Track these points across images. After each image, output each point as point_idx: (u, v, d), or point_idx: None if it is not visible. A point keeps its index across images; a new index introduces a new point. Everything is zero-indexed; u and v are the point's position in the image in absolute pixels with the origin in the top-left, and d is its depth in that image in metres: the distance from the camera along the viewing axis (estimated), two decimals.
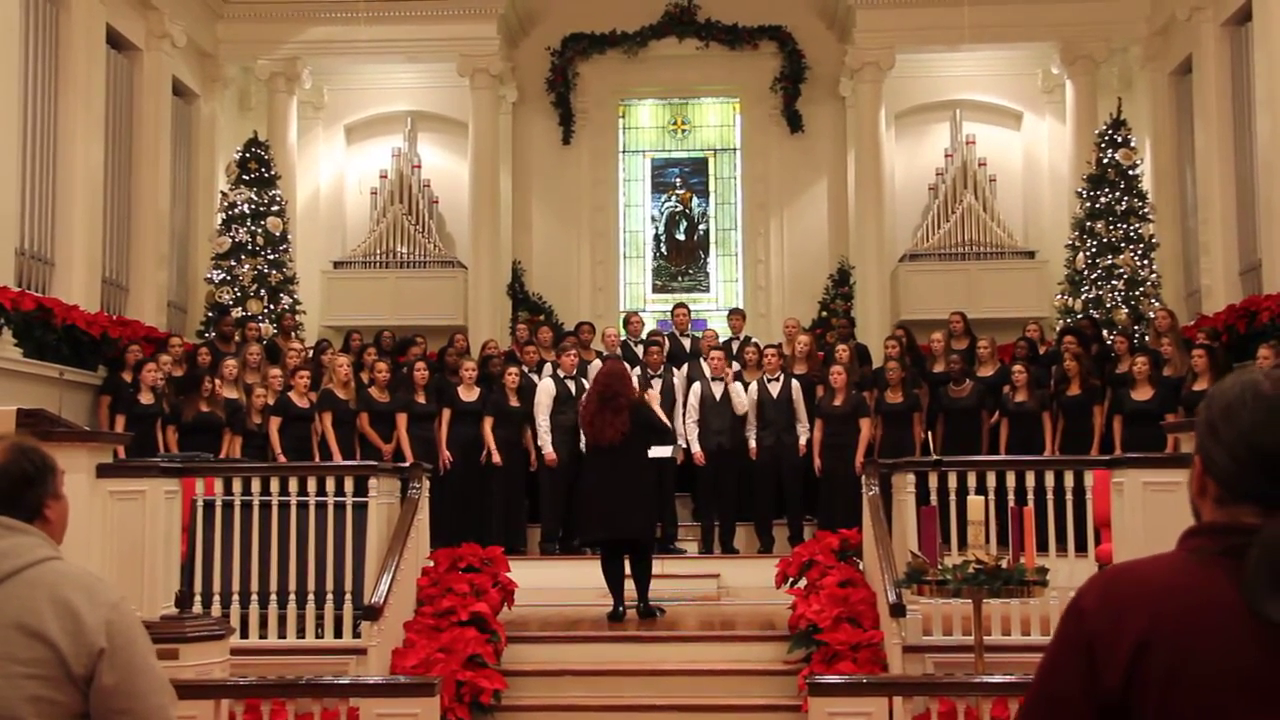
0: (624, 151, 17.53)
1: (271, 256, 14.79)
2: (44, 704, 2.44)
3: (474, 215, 16.07)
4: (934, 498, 8.31)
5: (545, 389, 12.44)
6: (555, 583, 11.11)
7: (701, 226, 17.51)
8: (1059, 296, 14.78)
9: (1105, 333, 13.70)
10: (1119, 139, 14.50)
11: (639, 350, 13.29)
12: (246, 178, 14.96)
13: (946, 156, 16.43)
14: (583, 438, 11.77)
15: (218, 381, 12.18)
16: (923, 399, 12.65)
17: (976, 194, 15.99)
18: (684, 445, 12.40)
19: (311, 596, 8.27)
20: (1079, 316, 14.05)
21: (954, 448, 11.68)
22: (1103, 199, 14.33)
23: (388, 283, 16.08)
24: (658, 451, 10.43)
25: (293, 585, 8.28)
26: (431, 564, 9.24)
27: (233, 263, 14.66)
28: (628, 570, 9.86)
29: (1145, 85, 15.80)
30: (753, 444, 12.41)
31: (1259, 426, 1.96)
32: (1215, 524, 1.98)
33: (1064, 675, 1.97)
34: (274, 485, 8.46)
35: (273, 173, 15.13)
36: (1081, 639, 1.95)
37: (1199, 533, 2.00)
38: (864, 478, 9.40)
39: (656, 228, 17.53)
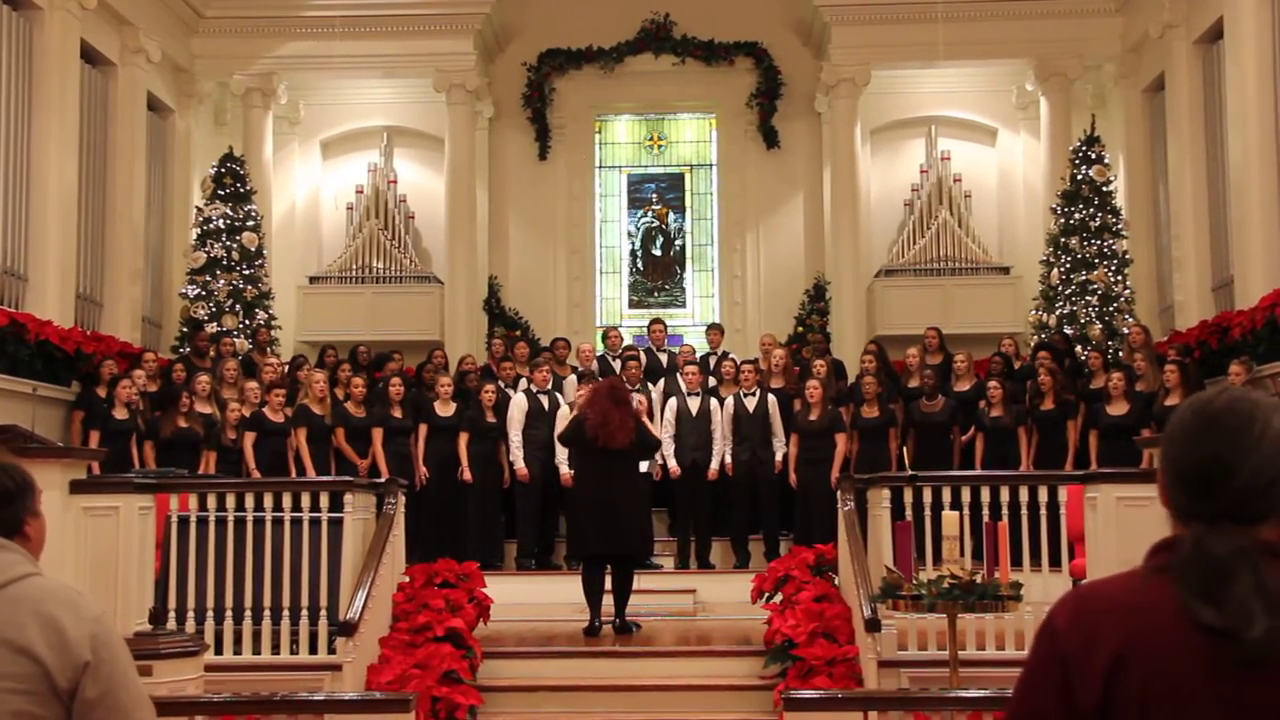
0: (600, 167, 17.55)
1: (247, 272, 14.74)
2: (28, 718, 2.45)
3: (450, 231, 16.06)
4: (909, 513, 8.34)
5: (518, 404, 12.43)
6: (531, 598, 11.11)
7: (678, 242, 17.54)
8: (1033, 312, 14.85)
9: (1079, 348, 13.76)
10: (1093, 155, 14.58)
11: (616, 365, 13.31)
12: (222, 193, 14.91)
13: (922, 172, 16.50)
14: (559, 452, 11.78)
15: (192, 397, 12.14)
16: (898, 414, 12.69)
17: (951, 210, 16.06)
18: (660, 460, 12.41)
19: (286, 612, 8.24)
20: (1053, 332, 14.11)
21: (925, 463, 11.69)
22: (1077, 215, 14.40)
23: (364, 298, 16.06)
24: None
25: (267, 601, 8.25)
26: (407, 579, 9.22)
27: (208, 278, 14.61)
28: (608, 585, 9.84)
29: (1119, 102, 15.91)
30: (728, 460, 12.42)
31: (1188, 444, 2.02)
32: (1170, 540, 2.03)
33: (1041, 695, 1.99)
34: (249, 501, 8.43)
35: (248, 188, 15.08)
36: (1056, 658, 1.98)
37: (1160, 549, 2.03)
38: (839, 493, 9.41)
39: (633, 243, 17.55)
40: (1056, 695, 1.96)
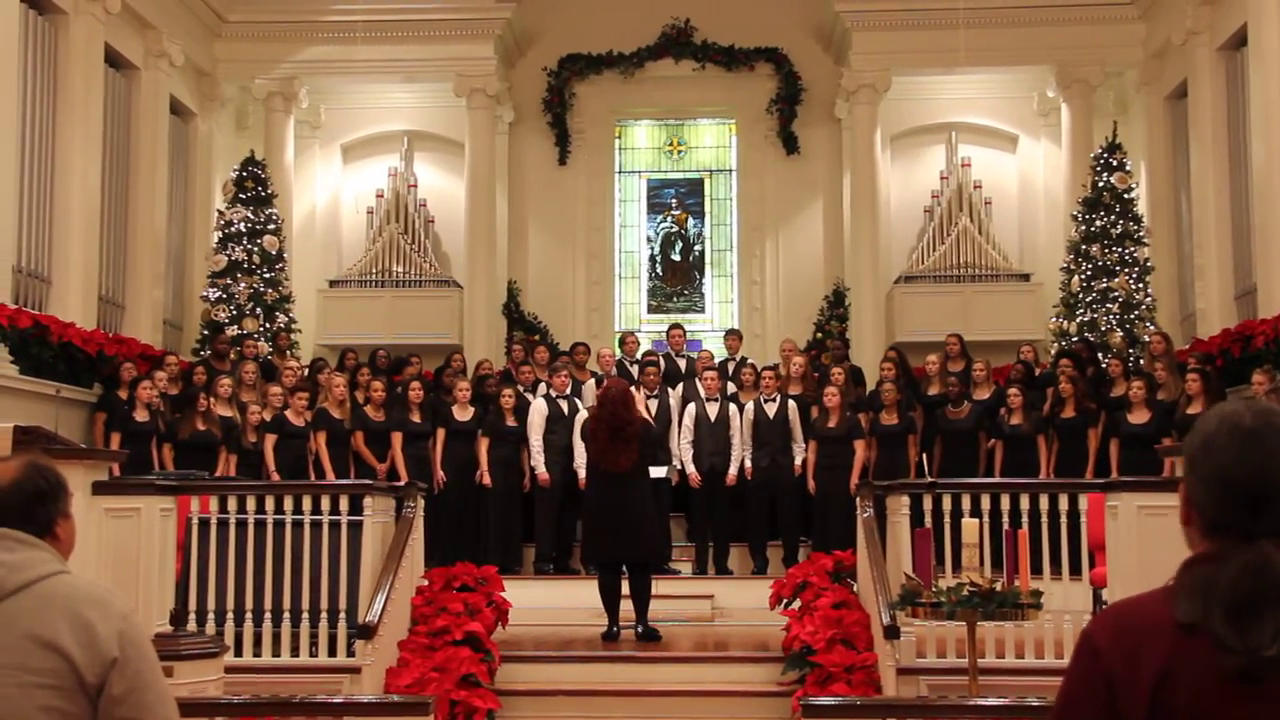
0: (620, 172, 17.56)
1: (267, 275, 14.79)
2: (56, 714, 2.48)
3: (470, 235, 16.09)
4: (928, 520, 8.32)
5: (538, 409, 12.44)
6: (549, 602, 11.11)
7: (697, 247, 17.54)
8: (1054, 319, 14.80)
9: (1100, 356, 13.71)
10: (1114, 162, 14.53)
11: (634, 370, 13.31)
12: (243, 196, 14.97)
13: (942, 179, 16.47)
14: (578, 456, 11.78)
15: (212, 400, 12.18)
16: (917, 421, 12.66)
17: (972, 216, 16.02)
18: (679, 466, 12.41)
19: (306, 615, 8.26)
20: (1074, 339, 14.06)
21: (951, 470, 11.69)
22: (1098, 222, 14.36)
23: (383, 302, 16.10)
24: (653, 472, 10.42)
25: (287, 603, 8.27)
26: (426, 583, 9.24)
27: (229, 281, 14.66)
28: (625, 590, 9.85)
29: (1141, 109, 15.86)
30: (748, 464, 12.40)
31: (1234, 459, 2.00)
32: (1206, 554, 2.01)
33: (1084, 714, 1.99)
34: (269, 504, 8.46)
35: (269, 191, 15.14)
36: (1099, 676, 1.97)
37: (1195, 563, 2.02)
38: (858, 499, 9.39)
39: (652, 248, 17.56)
40: (1100, 713, 1.96)
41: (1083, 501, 8.51)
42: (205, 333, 14.65)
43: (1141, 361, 13.33)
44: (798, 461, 12.39)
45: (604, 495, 9.83)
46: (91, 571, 7.59)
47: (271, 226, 14.97)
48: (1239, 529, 1.98)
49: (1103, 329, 14.07)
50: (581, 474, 11.79)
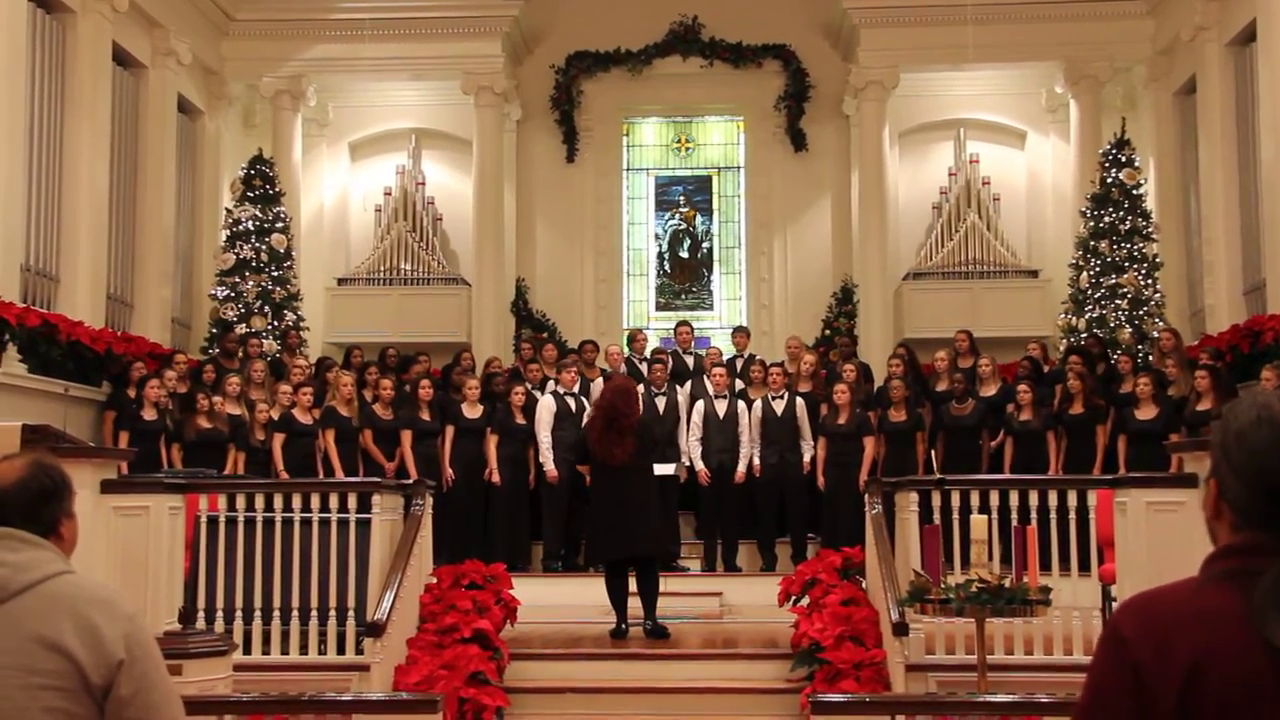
0: (628, 169, 17.55)
1: (275, 273, 14.80)
2: (61, 714, 2.48)
3: (478, 232, 16.09)
4: (937, 516, 8.30)
5: (546, 405, 12.45)
6: (558, 600, 11.11)
7: (705, 244, 17.52)
8: (1062, 316, 14.77)
9: (1109, 352, 13.68)
10: (1123, 158, 14.50)
11: (643, 368, 13.32)
12: (251, 195, 14.98)
13: (950, 175, 16.44)
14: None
15: (218, 399, 12.18)
16: (925, 418, 12.65)
17: (980, 213, 15.99)
18: (687, 463, 12.41)
19: (314, 613, 8.27)
20: (1083, 336, 14.03)
21: (954, 466, 11.67)
22: (1106, 218, 14.33)
23: (391, 300, 16.09)
24: (661, 469, 10.42)
25: (296, 601, 8.28)
26: (434, 581, 9.24)
27: (237, 279, 14.67)
28: (632, 588, 9.85)
29: (1149, 105, 15.82)
30: (756, 462, 12.40)
31: (1270, 453, 1.97)
32: (1241, 546, 1.98)
33: (1112, 704, 1.96)
34: (277, 502, 8.47)
35: (277, 190, 15.15)
36: (1127, 667, 1.94)
37: (1227, 554, 2.00)
38: (867, 496, 9.38)
39: (660, 245, 17.55)
40: (1130, 704, 1.94)
41: (1091, 498, 8.49)
42: (214, 331, 14.66)
43: (1151, 358, 13.31)
44: (806, 459, 12.38)
45: (603, 490, 9.83)
46: (100, 570, 7.60)
47: (279, 225, 14.99)
48: (1273, 524, 1.96)
49: (1111, 325, 14.04)
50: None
